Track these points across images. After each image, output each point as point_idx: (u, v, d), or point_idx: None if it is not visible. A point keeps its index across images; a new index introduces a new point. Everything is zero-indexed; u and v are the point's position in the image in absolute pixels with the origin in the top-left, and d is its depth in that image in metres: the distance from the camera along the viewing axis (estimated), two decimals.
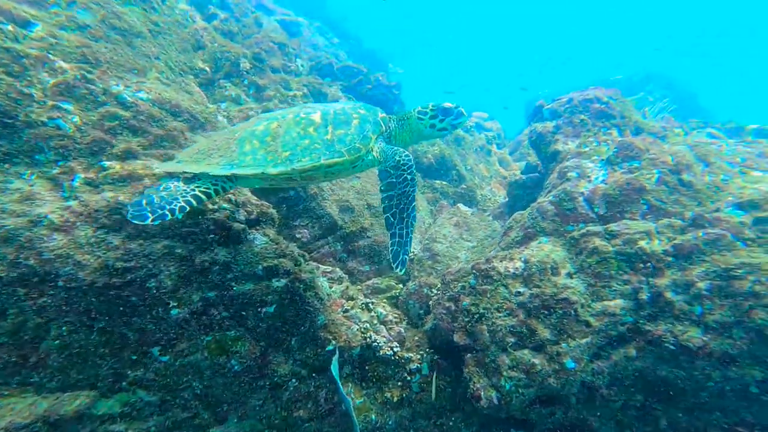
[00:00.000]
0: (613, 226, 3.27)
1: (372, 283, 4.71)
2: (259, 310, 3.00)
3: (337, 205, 4.77)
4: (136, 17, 3.29)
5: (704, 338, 2.62)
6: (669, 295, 2.84)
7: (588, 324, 3.03)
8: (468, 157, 7.46)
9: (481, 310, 3.34)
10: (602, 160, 3.81)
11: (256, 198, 3.53)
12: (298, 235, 4.55)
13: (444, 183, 6.49)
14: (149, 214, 2.19)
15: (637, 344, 2.92)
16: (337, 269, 4.23)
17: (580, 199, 3.57)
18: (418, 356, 3.72)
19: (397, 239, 2.75)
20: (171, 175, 2.68)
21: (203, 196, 2.44)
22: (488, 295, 3.39)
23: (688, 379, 2.72)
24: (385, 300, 4.59)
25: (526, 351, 3.09)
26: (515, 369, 3.05)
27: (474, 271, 3.56)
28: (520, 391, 2.98)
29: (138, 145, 2.83)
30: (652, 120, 4.54)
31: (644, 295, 2.96)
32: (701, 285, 2.72)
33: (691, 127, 4.97)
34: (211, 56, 4.34)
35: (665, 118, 4.63)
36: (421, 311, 4.22)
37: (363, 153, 2.77)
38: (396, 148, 2.91)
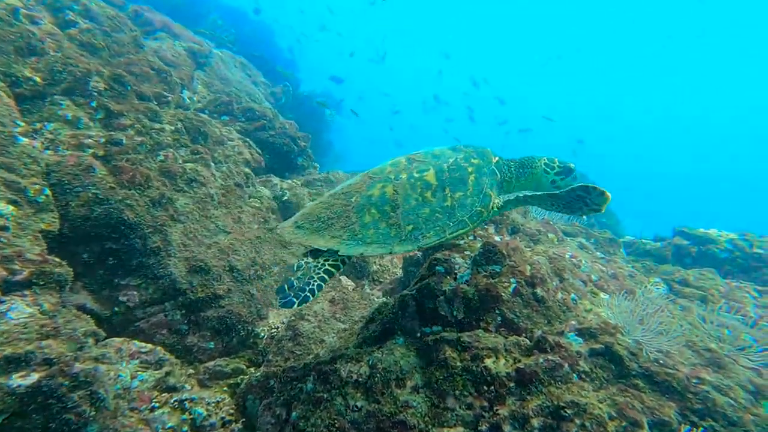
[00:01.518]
0: (465, 337, 3.00)
1: (214, 365, 3.90)
2: None
3: (186, 264, 4.01)
4: None
5: None
6: (507, 428, 2.54)
7: None
8: None
9: (310, 428, 2.75)
10: (472, 256, 3.68)
11: (37, 251, 2.68)
12: (123, 298, 3.67)
13: None
14: (294, 299, 2.42)
15: None
16: (159, 349, 3.38)
17: (442, 298, 3.32)
18: None
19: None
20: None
21: (333, 270, 2.62)
22: (322, 407, 2.83)
23: None
24: (225, 388, 3.79)
25: None
26: None
27: (314, 372, 3.01)
28: None
29: None
30: (531, 221, 4.65)
31: (484, 426, 2.63)
32: (535, 422, 2.46)
33: (566, 233, 5.25)
34: (48, 66, 3.57)
35: (544, 220, 4.80)
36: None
37: (485, 215, 2.73)
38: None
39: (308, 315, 4.51)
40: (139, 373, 3.13)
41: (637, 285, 3.70)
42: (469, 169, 2.79)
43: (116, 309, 3.57)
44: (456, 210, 2.66)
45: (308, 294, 2.44)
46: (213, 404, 3.41)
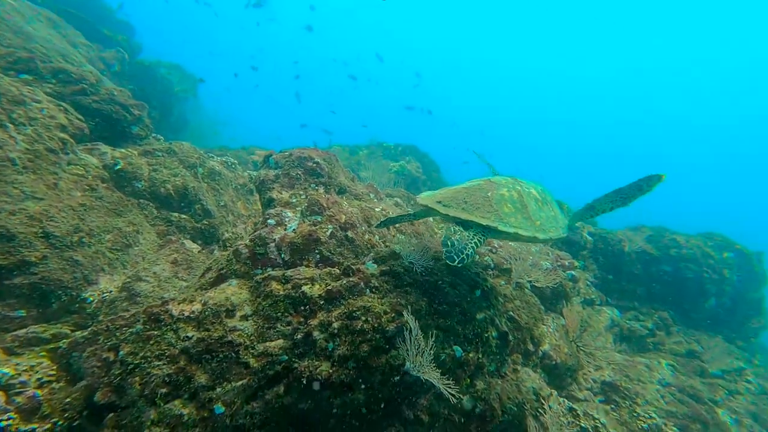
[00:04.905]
0: (289, 272, 3.65)
1: (26, 332, 3.67)
2: None
3: None
4: None
5: (330, 370, 3.12)
6: (315, 334, 3.31)
7: (247, 365, 3.16)
8: (224, 193, 7.24)
9: (139, 360, 3.01)
10: (302, 211, 4.34)
11: None
12: None
13: (183, 216, 5.98)
14: (455, 257, 2.91)
15: (288, 381, 3.22)
16: None
17: (272, 245, 3.89)
18: (53, 424, 2.99)
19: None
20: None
21: (479, 244, 3.04)
22: (152, 342, 3.11)
23: (317, 410, 3.15)
24: (42, 353, 3.62)
25: (177, 402, 2.92)
26: (160, 424, 2.82)
27: (143, 315, 3.23)
28: None
29: None
30: (358, 184, 5.56)
31: (300, 335, 3.34)
32: (336, 324, 3.28)
33: (390, 195, 6.42)
34: None
35: (369, 184, 5.78)
36: None
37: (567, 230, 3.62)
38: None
39: (147, 276, 4.52)
40: None
41: (428, 230, 4.95)
42: (549, 198, 3.73)
43: None
44: (557, 220, 3.50)
45: (465, 257, 2.89)
46: (26, 367, 3.29)
